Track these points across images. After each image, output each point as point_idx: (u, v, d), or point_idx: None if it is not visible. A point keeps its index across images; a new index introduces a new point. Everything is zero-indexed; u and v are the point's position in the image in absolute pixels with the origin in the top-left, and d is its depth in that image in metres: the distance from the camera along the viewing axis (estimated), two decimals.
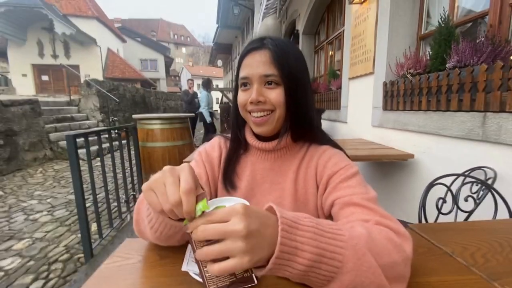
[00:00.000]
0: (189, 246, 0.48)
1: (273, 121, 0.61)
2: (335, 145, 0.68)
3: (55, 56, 14.35)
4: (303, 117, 0.62)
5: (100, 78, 9.59)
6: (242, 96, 0.62)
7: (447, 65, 1.51)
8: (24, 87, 13.66)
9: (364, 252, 0.35)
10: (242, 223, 0.30)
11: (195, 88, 6.29)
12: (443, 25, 1.58)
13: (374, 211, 0.49)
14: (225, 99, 8.74)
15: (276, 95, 0.58)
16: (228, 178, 0.67)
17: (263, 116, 0.60)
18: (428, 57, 1.73)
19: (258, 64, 0.58)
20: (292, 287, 0.42)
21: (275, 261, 0.31)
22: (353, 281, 0.34)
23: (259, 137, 0.67)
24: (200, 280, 0.42)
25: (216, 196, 0.69)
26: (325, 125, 3.63)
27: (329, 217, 0.59)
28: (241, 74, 0.61)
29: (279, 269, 0.32)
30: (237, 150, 0.69)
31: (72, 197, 2.84)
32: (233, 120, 0.70)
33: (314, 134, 0.67)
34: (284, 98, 0.59)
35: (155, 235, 0.47)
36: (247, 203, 0.46)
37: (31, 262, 1.81)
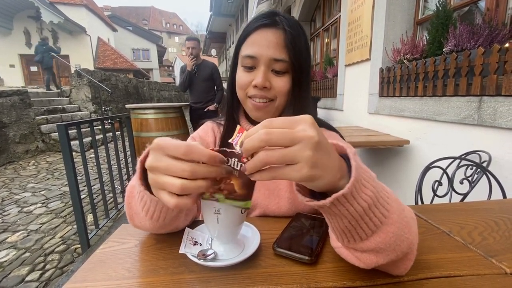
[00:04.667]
0: (186, 229, 0.47)
1: (272, 109, 0.59)
2: (329, 127, 0.67)
3: None
4: (303, 104, 0.60)
5: (91, 68, 9.36)
6: (244, 77, 0.57)
7: (444, 50, 1.50)
8: (12, 78, 13.27)
9: (404, 208, 0.34)
10: (314, 131, 0.27)
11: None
12: (440, 8, 1.56)
13: None
14: None
15: (282, 83, 0.55)
16: None
17: (264, 102, 0.57)
18: (425, 42, 1.71)
19: (269, 44, 0.53)
20: (292, 267, 0.42)
21: (351, 187, 0.28)
22: (395, 234, 0.32)
23: (253, 122, 0.64)
24: (198, 262, 0.42)
25: None
26: (320, 113, 3.62)
27: None
28: (247, 51, 0.55)
29: (347, 201, 0.29)
30: (232, 131, 0.67)
31: (67, 189, 2.80)
32: (228, 99, 0.65)
33: None
34: (289, 87, 0.56)
35: (157, 223, 0.43)
36: None
37: (27, 254, 1.80)
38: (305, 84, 0.58)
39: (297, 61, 0.54)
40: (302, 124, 0.27)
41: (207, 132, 0.69)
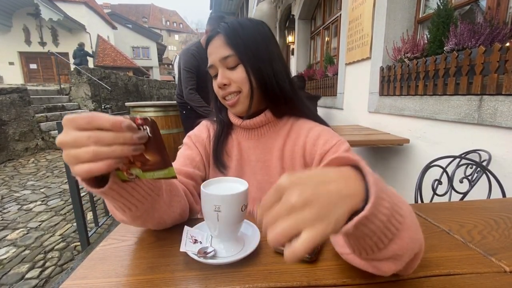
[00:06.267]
0: (186, 227, 0.47)
1: (243, 100, 0.62)
2: (321, 121, 0.68)
3: (42, 44, 13.84)
4: (275, 89, 0.62)
5: (91, 66, 9.33)
6: (214, 84, 0.64)
7: (445, 48, 1.49)
8: (11, 76, 13.20)
9: (411, 210, 0.33)
10: (295, 193, 0.25)
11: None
12: (441, 7, 1.55)
13: None
14: None
15: (238, 74, 0.60)
16: (219, 159, 0.67)
17: (233, 98, 0.61)
18: (425, 41, 1.71)
19: (215, 50, 0.61)
20: (292, 265, 0.42)
21: (372, 209, 0.26)
22: (410, 238, 0.31)
23: (241, 116, 0.67)
24: (199, 259, 0.42)
25: (210, 177, 0.68)
26: (321, 112, 3.61)
27: None
28: (208, 64, 0.63)
29: (368, 221, 0.27)
30: (222, 130, 0.70)
31: (66, 186, 2.81)
32: (213, 105, 0.73)
33: (293, 106, 0.67)
34: (246, 76, 0.60)
35: (131, 214, 0.41)
36: (246, 183, 0.45)
37: (27, 251, 1.80)
38: (266, 66, 0.60)
39: (242, 51, 0.59)
40: (286, 192, 0.26)
41: (202, 130, 0.73)
